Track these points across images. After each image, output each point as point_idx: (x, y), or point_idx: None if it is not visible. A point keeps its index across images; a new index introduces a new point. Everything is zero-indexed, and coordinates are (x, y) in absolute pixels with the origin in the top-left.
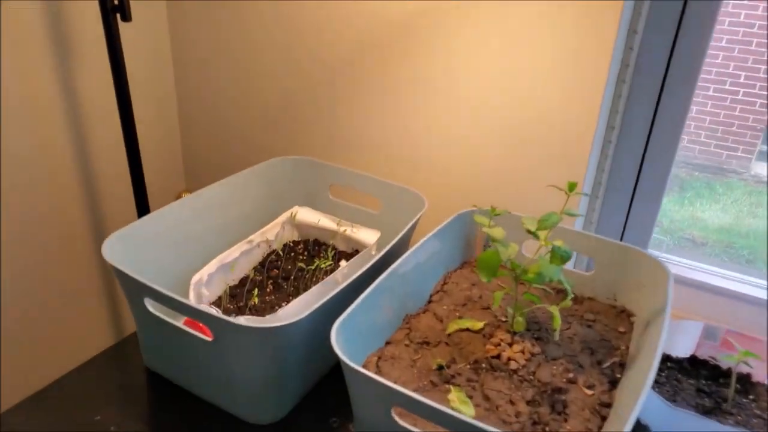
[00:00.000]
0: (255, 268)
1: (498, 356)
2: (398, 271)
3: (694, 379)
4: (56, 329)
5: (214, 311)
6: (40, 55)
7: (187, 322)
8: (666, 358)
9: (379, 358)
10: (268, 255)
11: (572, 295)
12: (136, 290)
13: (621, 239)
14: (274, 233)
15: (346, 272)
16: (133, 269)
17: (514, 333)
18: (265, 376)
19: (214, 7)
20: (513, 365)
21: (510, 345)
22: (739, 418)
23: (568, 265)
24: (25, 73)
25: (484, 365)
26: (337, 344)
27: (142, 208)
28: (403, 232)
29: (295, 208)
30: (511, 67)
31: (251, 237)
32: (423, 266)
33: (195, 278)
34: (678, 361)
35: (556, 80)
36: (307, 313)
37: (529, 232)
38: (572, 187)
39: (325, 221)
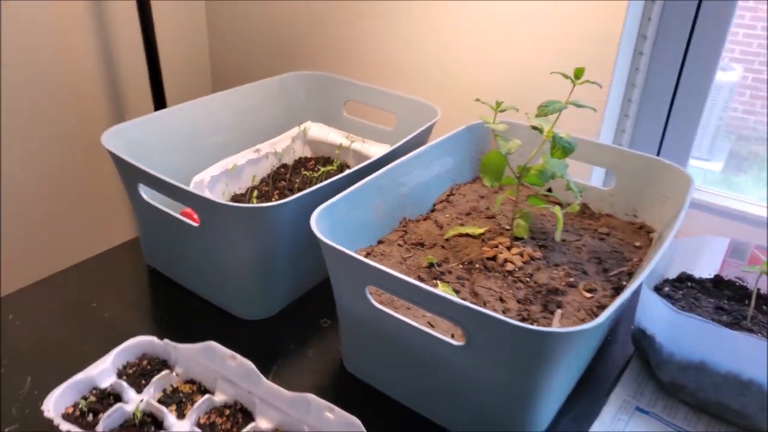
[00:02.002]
0: (262, 179)
1: (494, 258)
2: (394, 172)
3: (715, 298)
4: (68, 222)
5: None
6: None
7: (183, 214)
8: (687, 278)
9: (368, 253)
10: (278, 168)
11: (580, 198)
12: (131, 176)
13: None
14: (282, 146)
15: None
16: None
17: (516, 239)
18: (252, 265)
19: None
20: (509, 267)
21: (508, 248)
22: (761, 335)
23: (587, 180)
24: None
25: (477, 265)
26: (317, 227)
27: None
28: (412, 135)
29: (308, 123)
30: None
31: (259, 146)
32: (426, 174)
33: (197, 178)
34: (700, 281)
35: None
36: (293, 197)
37: (533, 128)
38: (579, 72)
39: (335, 136)
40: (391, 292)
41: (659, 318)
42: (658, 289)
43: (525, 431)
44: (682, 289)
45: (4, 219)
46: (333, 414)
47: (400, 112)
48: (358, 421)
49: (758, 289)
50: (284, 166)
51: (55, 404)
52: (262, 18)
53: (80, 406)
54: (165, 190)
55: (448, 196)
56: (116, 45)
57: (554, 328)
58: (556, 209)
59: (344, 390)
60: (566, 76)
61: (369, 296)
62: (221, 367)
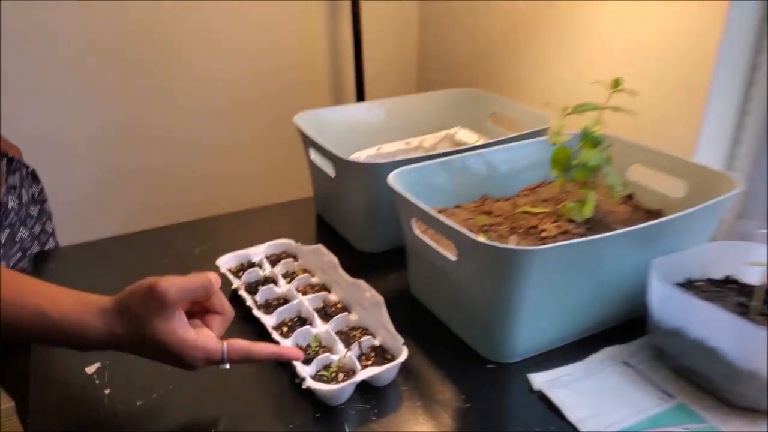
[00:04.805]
0: None
1: (535, 226)
2: (481, 155)
3: (747, 297)
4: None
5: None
6: None
7: None
8: (733, 281)
9: (441, 210)
10: None
11: (621, 189)
12: (307, 143)
13: None
14: (431, 143)
15: None
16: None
17: (570, 221)
18: (364, 209)
19: None
20: (544, 234)
21: (554, 222)
22: (761, 324)
23: (665, 190)
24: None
25: (520, 231)
26: (393, 180)
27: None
28: (512, 135)
29: (457, 128)
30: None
31: (409, 140)
32: (516, 164)
33: (353, 156)
34: (743, 285)
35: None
36: (392, 160)
37: (584, 129)
38: (615, 83)
39: (473, 138)
40: (422, 220)
41: (655, 291)
42: (692, 282)
43: (504, 343)
44: (719, 287)
45: (226, 160)
46: (369, 293)
47: (528, 124)
48: (382, 299)
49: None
50: None
51: (224, 263)
52: (462, 35)
53: (236, 267)
54: (317, 150)
55: (536, 187)
56: (343, 47)
57: (499, 244)
58: (589, 192)
59: (401, 303)
60: (607, 87)
61: (414, 226)
62: (320, 260)
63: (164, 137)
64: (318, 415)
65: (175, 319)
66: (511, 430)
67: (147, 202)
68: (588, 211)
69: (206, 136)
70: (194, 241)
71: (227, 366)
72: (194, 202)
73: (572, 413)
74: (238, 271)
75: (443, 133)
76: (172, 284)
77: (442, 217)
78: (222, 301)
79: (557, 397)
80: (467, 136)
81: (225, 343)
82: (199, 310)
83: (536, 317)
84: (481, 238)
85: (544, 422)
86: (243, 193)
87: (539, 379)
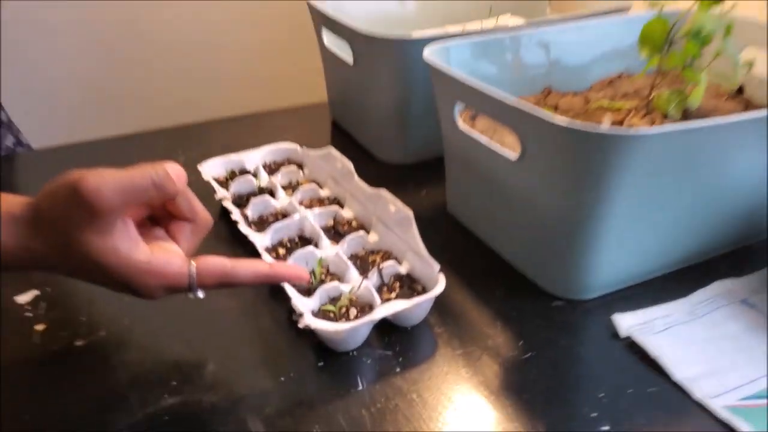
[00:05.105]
0: None
1: (621, 122)
2: (542, 36)
3: None
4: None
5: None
6: None
7: None
8: None
9: None
10: None
11: (743, 70)
12: (319, 24)
13: None
14: (471, 29)
15: None
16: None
17: (663, 117)
18: (394, 104)
19: None
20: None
21: (642, 117)
22: None
23: None
24: None
25: None
26: (430, 55)
27: None
28: (582, 13)
29: (507, 15)
30: None
31: (449, 27)
32: (587, 51)
33: None
34: None
35: None
36: (429, 34)
37: None
38: None
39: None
40: (469, 102)
41: None
42: None
43: (579, 274)
44: None
45: (227, 56)
46: (395, 207)
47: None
48: (410, 213)
49: None
50: None
51: (209, 168)
52: None
53: (225, 176)
54: (332, 31)
55: (613, 79)
56: None
57: (587, 125)
58: (701, 73)
59: (436, 223)
60: None
61: (457, 116)
62: (332, 167)
63: (157, 25)
64: (321, 363)
65: (115, 233)
66: (589, 390)
67: (135, 104)
68: (696, 99)
69: (204, 27)
70: (180, 147)
71: (200, 294)
72: (187, 104)
73: (677, 369)
74: (227, 181)
75: (490, 21)
76: (106, 181)
77: (500, 93)
78: (192, 204)
79: (654, 346)
80: (513, 23)
81: (193, 264)
82: (162, 215)
83: (624, 238)
84: (561, 119)
85: (637, 380)
86: (245, 95)
87: (627, 322)
